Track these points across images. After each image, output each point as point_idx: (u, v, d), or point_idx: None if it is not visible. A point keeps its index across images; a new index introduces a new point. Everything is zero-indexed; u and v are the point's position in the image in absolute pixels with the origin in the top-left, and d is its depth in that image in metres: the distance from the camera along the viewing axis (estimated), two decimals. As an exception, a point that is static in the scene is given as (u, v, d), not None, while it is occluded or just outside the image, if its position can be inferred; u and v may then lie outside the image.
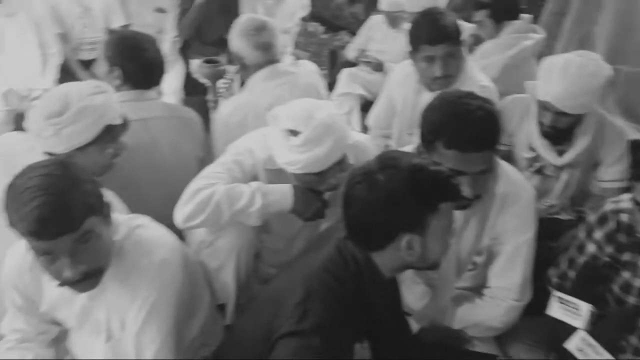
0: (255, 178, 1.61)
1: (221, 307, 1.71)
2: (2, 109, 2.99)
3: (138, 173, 1.79)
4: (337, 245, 1.21)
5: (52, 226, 1.05)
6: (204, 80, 3.09)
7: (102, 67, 1.93)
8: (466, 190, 1.36)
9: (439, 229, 1.13)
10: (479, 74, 2.05)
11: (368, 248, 1.17)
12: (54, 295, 1.30)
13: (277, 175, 1.58)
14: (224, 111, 2.02)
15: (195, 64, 3.16)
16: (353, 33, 4.41)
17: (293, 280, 1.20)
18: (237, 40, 1.99)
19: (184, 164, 1.98)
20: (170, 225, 1.48)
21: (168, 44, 3.24)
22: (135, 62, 1.86)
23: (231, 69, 2.90)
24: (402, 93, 2.14)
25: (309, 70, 2.14)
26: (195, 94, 3.45)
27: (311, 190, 1.57)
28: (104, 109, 1.51)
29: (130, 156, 1.69)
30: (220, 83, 2.99)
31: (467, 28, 2.78)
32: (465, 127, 1.33)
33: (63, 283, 1.15)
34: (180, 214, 1.51)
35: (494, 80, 2.13)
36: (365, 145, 1.71)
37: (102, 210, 1.17)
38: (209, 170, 1.59)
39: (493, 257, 1.59)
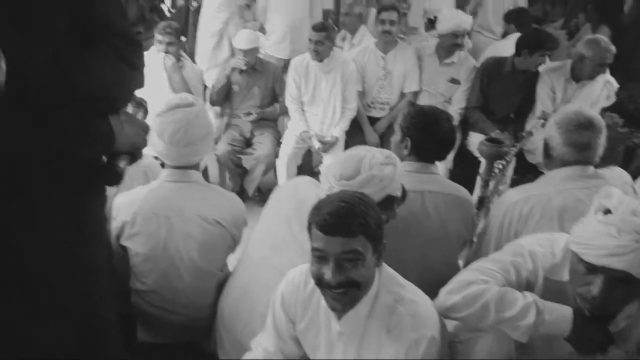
0: (530, 285, 1.45)
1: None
2: (295, 147, 3.49)
3: (401, 241, 1.79)
4: None
5: (336, 223, 1.26)
6: (477, 154, 3.02)
7: (395, 135, 2.00)
8: None
9: None
10: None
11: None
12: (311, 317, 1.44)
13: (557, 288, 1.40)
14: (510, 199, 1.88)
15: (477, 138, 3.11)
16: (662, 132, 3.80)
17: None
18: (553, 128, 1.82)
19: (448, 243, 1.92)
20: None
21: (453, 115, 3.30)
22: (428, 137, 1.89)
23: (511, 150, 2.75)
24: None
25: (620, 179, 1.85)
26: (463, 166, 3.42)
27: (596, 321, 1.33)
28: (389, 180, 1.59)
29: (399, 223, 1.71)
30: (496, 162, 2.87)
31: None
32: None
33: (322, 283, 1.30)
34: (445, 300, 1.45)
35: None
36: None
37: (376, 240, 1.31)
38: (484, 264, 1.49)
39: None
